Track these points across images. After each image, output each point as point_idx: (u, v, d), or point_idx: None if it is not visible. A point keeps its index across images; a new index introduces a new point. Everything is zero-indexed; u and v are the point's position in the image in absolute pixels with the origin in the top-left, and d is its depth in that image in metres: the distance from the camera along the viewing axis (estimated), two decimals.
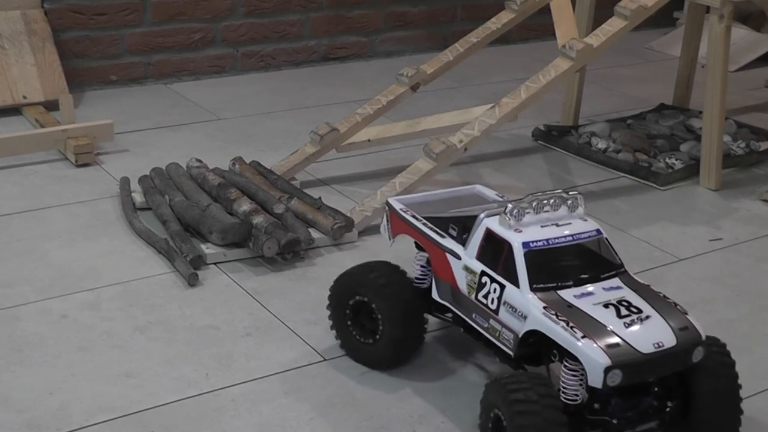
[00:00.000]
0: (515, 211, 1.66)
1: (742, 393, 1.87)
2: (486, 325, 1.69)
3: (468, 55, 2.92)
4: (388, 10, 3.94)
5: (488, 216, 1.70)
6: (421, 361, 1.90)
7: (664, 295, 1.68)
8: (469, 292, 1.71)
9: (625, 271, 1.71)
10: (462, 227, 1.77)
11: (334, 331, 1.91)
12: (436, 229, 1.79)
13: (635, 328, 1.56)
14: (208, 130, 3.11)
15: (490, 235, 1.68)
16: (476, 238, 1.70)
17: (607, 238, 1.71)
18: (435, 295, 1.79)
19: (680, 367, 1.59)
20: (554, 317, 1.56)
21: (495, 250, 1.66)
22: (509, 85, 2.78)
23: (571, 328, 1.54)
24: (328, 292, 1.89)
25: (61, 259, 2.24)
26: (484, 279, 1.67)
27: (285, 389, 1.81)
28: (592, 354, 1.51)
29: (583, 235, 1.68)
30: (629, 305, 1.61)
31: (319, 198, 2.46)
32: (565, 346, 1.54)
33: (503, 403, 1.53)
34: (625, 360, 1.51)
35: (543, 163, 2.94)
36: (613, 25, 2.61)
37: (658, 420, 1.62)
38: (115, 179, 2.65)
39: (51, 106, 3.10)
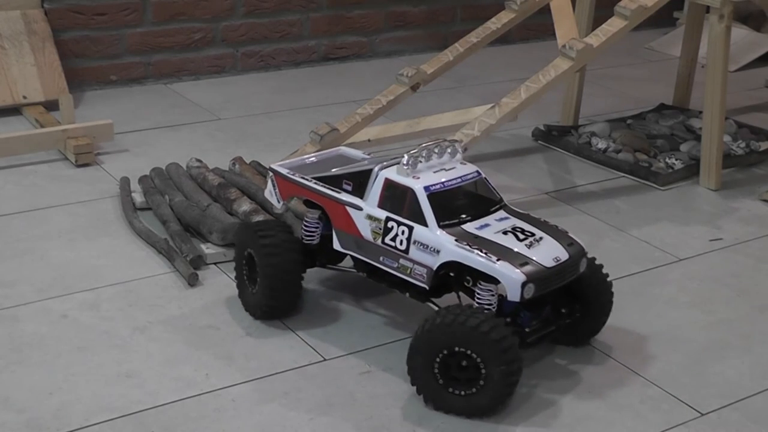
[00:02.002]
0: (411, 160, 1.84)
1: (743, 393, 1.87)
2: (395, 265, 1.86)
3: (468, 55, 2.92)
4: (388, 10, 3.94)
5: (382, 168, 1.87)
6: None
7: (544, 220, 1.91)
8: (374, 238, 1.87)
9: (506, 204, 1.93)
10: (357, 182, 1.92)
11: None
12: (330, 186, 1.94)
13: (536, 248, 1.80)
14: (208, 130, 3.11)
15: (390, 184, 1.85)
16: (375, 189, 1.87)
17: (486, 178, 1.92)
18: (336, 246, 1.94)
19: (573, 276, 1.83)
20: (468, 247, 1.76)
21: (397, 197, 1.84)
22: (509, 85, 2.79)
23: (486, 254, 1.75)
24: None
25: (61, 259, 2.24)
26: (390, 224, 1.84)
27: (285, 389, 1.81)
28: (510, 273, 1.73)
29: (468, 176, 1.90)
30: (523, 231, 1.84)
31: None
32: (483, 270, 1.75)
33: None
34: (536, 275, 1.75)
35: (543, 163, 2.94)
36: (613, 25, 2.61)
37: (555, 326, 1.86)
38: (115, 179, 2.65)
39: (51, 106, 3.10)
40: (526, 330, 1.80)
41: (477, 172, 1.92)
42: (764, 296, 2.23)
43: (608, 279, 1.94)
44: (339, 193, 1.92)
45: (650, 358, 1.96)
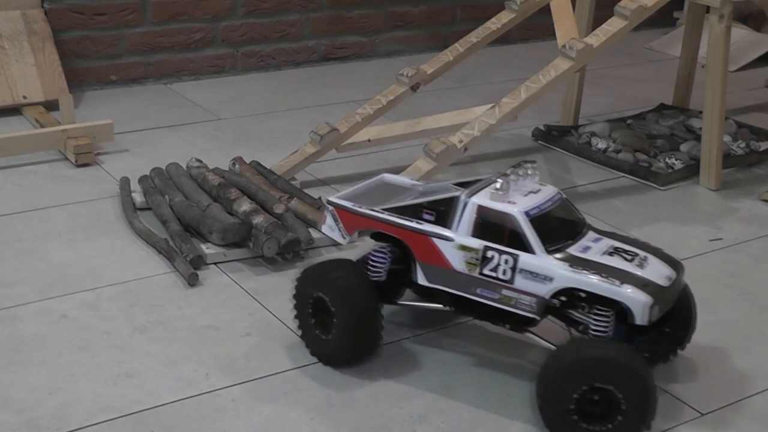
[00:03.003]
0: (504, 185, 1.77)
1: (743, 393, 1.88)
2: (496, 297, 1.76)
3: (468, 55, 2.92)
4: (388, 10, 3.94)
5: (471, 195, 1.78)
6: (420, 361, 1.90)
7: (635, 238, 1.87)
8: (469, 270, 1.77)
9: (589, 224, 1.86)
10: (440, 211, 1.84)
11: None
12: (408, 218, 1.84)
13: (647, 268, 1.73)
14: (208, 130, 3.11)
15: (484, 211, 1.76)
16: (466, 217, 1.77)
17: (567, 198, 1.85)
18: (421, 280, 1.83)
19: (679, 293, 1.79)
20: (586, 272, 1.69)
21: (495, 225, 1.75)
22: (509, 85, 2.78)
23: (607, 278, 1.67)
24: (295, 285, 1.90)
25: (61, 259, 2.24)
26: (490, 253, 1.74)
27: (285, 389, 1.81)
28: (638, 296, 1.65)
29: (556, 198, 1.82)
30: (625, 251, 1.77)
31: (319, 198, 2.46)
32: (606, 295, 1.67)
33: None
34: (659, 296, 1.68)
35: (543, 163, 2.94)
36: (613, 25, 2.61)
37: (659, 347, 1.85)
38: (115, 179, 2.65)
39: (51, 106, 3.10)
40: (646, 355, 1.77)
41: (559, 192, 1.84)
42: (764, 296, 2.23)
43: (688, 288, 1.87)
44: (421, 224, 1.81)
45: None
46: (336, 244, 2.31)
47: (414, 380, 1.85)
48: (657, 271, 1.73)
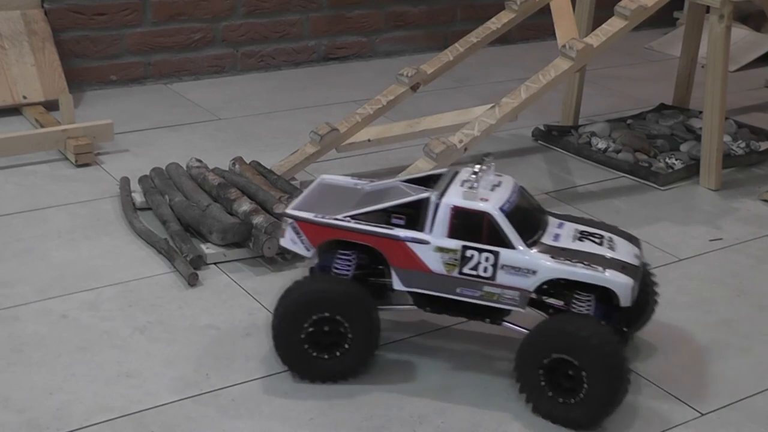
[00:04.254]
0: (475, 183, 1.78)
1: (743, 393, 1.88)
2: (478, 294, 1.77)
3: (468, 55, 2.92)
4: (388, 10, 3.94)
5: (441, 196, 1.77)
6: (420, 361, 1.90)
7: (589, 218, 1.93)
8: (448, 270, 1.77)
9: (542, 207, 1.90)
10: (410, 215, 1.83)
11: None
12: (378, 224, 1.81)
13: (617, 250, 1.80)
14: (208, 130, 3.11)
15: (459, 211, 1.75)
16: (440, 219, 1.76)
17: (521, 185, 1.87)
18: (398, 285, 1.81)
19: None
20: (568, 262, 1.73)
21: (472, 224, 1.75)
22: (509, 85, 2.78)
23: (589, 265, 1.72)
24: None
25: (61, 259, 2.24)
26: (469, 252, 1.75)
27: (285, 389, 1.81)
28: (621, 280, 1.71)
29: (517, 188, 1.84)
30: (591, 234, 1.83)
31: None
32: (592, 282, 1.72)
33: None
34: (636, 276, 1.75)
35: (543, 163, 2.94)
36: (613, 25, 2.61)
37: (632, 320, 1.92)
38: (115, 179, 2.65)
39: (51, 106, 3.10)
40: (625, 330, 1.85)
41: (515, 181, 1.86)
42: (764, 296, 2.23)
43: (649, 268, 1.95)
44: (393, 229, 1.79)
45: (650, 358, 1.96)
46: None
47: (414, 380, 1.85)
48: (626, 251, 1.81)
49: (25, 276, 2.16)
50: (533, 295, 1.77)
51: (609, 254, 1.77)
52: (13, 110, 3.12)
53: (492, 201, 1.76)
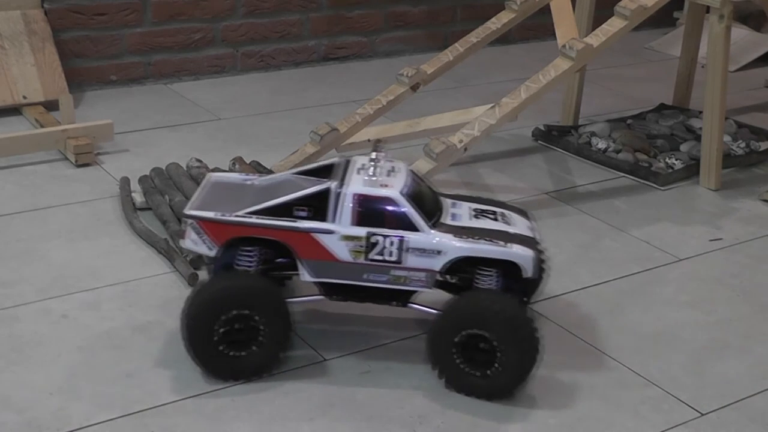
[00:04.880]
0: (377, 170, 1.81)
1: (743, 393, 1.88)
2: (385, 278, 1.80)
3: (468, 55, 2.92)
4: (388, 10, 3.94)
5: (342, 185, 1.80)
6: (420, 361, 1.90)
7: (478, 196, 2.00)
8: (355, 258, 1.80)
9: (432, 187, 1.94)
10: (313, 206, 1.83)
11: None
12: (282, 218, 1.81)
13: (513, 224, 1.88)
14: (208, 130, 3.11)
15: (363, 199, 1.78)
16: (344, 207, 1.78)
17: (412, 169, 1.91)
18: (306, 277, 1.82)
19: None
20: (472, 239, 1.79)
21: (376, 210, 1.78)
22: (509, 85, 2.79)
23: (492, 241, 1.79)
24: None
25: (61, 259, 2.24)
26: (375, 239, 1.78)
27: (285, 389, 1.81)
28: (524, 253, 1.79)
29: (410, 171, 1.88)
30: (485, 211, 1.90)
31: None
32: (497, 257, 1.79)
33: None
34: (536, 247, 1.84)
35: (543, 163, 2.94)
36: (613, 25, 2.61)
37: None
38: (115, 179, 2.65)
39: (51, 106, 3.10)
40: (526, 300, 1.92)
41: (407, 165, 1.90)
42: (764, 296, 2.23)
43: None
44: (298, 222, 1.80)
45: (650, 358, 1.96)
46: None
47: (414, 380, 1.85)
48: (522, 224, 1.89)
49: (25, 276, 2.16)
50: (444, 275, 1.81)
51: (508, 229, 1.84)
52: (13, 110, 3.12)
53: (393, 186, 1.80)
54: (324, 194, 1.81)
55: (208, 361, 1.80)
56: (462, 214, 1.88)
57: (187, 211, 1.83)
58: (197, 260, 2.19)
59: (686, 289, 2.24)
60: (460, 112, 2.79)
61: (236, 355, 1.79)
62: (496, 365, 1.75)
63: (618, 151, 2.96)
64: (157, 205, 2.41)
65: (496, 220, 1.87)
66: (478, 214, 1.88)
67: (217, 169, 2.52)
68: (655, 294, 2.22)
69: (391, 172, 1.85)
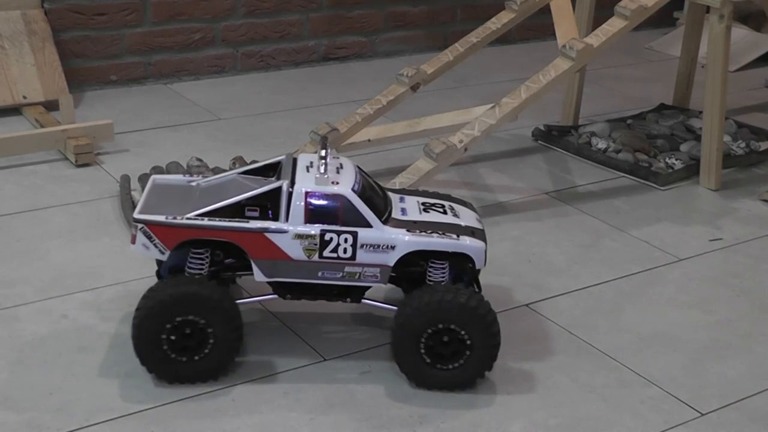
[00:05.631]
0: (326, 167, 1.80)
1: (743, 393, 1.87)
2: (339, 275, 1.80)
3: (468, 55, 2.92)
4: (388, 10, 3.94)
5: (292, 184, 1.79)
6: None
7: (423, 189, 2.02)
8: (309, 256, 1.79)
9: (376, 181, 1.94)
10: (264, 205, 1.82)
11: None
12: (233, 219, 1.79)
13: (461, 216, 1.89)
14: (208, 130, 3.11)
15: (313, 196, 1.78)
16: (296, 206, 1.77)
17: (358, 165, 1.90)
18: (260, 277, 1.81)
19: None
20: (425, 234, 1.80)
21: (327, 208, 1.78)
22: (509, 85, 2.79)
23: (443, 234, 1.80)
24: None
25: (61, 259, 2.24)
26: (328, 236, 1.77)
27: (285, 389, 1.81)
28: (475, 245, 1.81)
29: (357, 168, 1.88)
30: (432, 205, 1.92)
31: None
32: (449, 250, 1.80)
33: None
34: (485, 239, 1.86)
35: (543, 163, 2.94)
36: (613, 25, 2.61)
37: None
38: (116, 179, 2.65)
39: (51, 106, 3.10)
40: (477, 291, 1.91)
41: (353, 162, 1.90)
42: (764, 296, 2.23)
43: None
44: (248, 222, 1.78)
45: (650, 358, 1.96)
46: None
47: None
48: (468, 216, 1.91)
49: (25, 276, 2.16)
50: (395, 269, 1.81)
51: (457, 222, 1.86)
52: (13, 110, 3.12)
53: (343, 183, 1.79)
54: (275, 193, 1.80)
55: (157, 366, 1.78)
56: (410, 208, 1.89)
57: (137, 215, 1.80)
58: None
59: (686, 289, 2.24)
60: (460, 112, 2.79)
61: (187, 360, 1.77)
62: (463, 358, 1.78)
63: (618, 151, 2.96)
64: None
65: (445, 213, 1.89)
66: (427, 207, 1.90)
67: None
68: (655, 294, 2.22)
69: (339, 168, 1.84)
